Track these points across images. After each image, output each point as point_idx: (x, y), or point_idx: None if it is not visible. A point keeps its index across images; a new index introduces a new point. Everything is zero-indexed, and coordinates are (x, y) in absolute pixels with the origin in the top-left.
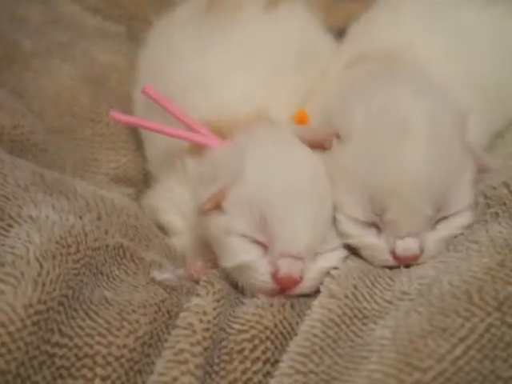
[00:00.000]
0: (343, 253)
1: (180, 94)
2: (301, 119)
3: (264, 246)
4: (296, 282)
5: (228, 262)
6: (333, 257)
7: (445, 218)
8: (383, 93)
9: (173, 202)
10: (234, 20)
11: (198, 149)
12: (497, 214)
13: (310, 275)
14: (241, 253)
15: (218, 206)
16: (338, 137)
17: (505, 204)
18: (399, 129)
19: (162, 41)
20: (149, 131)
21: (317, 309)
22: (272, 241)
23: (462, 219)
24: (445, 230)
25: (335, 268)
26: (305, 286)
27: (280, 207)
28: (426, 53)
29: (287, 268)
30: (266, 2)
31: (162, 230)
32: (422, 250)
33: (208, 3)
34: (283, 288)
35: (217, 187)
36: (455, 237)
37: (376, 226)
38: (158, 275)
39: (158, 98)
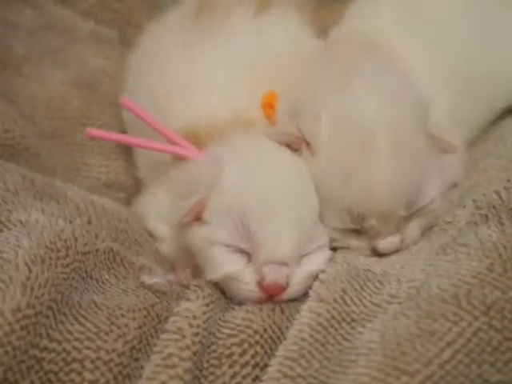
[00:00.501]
0: (328, 253)
1: (165, 99)
2: (269, 102)
3: (248, 254)
4: (282, 289)
5: (213, 274)
6: (318, 258)
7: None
8: (345, 99)
9: (158, 209)
10: (223, 26)
11: (180, 160)
12: (486, 216)
13: (296, 280)
14: (225, 263)
15: (198, 218)
16: (306, 144)
17: (494, 208)
18: (364, 142)
19: (151, 45)
20: (138, 135)
21: (305, 313)
22: (255, 248)
23: (435, 205)
24: (421, 218)
25: (324, 272)
26: (292, 292)
27: (261, 214)
28: (401, 40)
29: (272, 275)
30: (257, 8)
31: (152, 235)
32: (403, 242)
33: (198, 8)
34: (270, 295)
35: (195, 199)
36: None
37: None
38: (148, 280)
39: (136, 110)
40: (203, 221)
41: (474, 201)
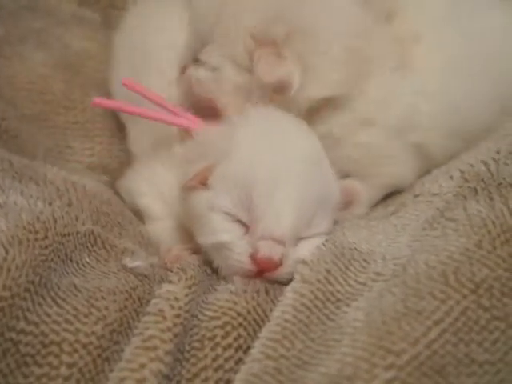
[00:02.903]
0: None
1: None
2: None
3: (246, 226)
4: (276, 265)
5: (206, 239)
6: (314, 244)
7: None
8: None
9: (154, 185)
10: None
11: (187, 135)
12: (475, 190)
13: (289, 262)
14: (221, 231)
15: (203, 183)
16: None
17: (483, 181)
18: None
19: (140, 22)
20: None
21: (289, 294)
22: (255, 222)
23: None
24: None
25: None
26: (284, 272)
27: (266, 189)
28: None
29: (267, 250)
30: None
31: (138, 214)
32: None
33: None
34: (261, 270)
35: (204, 164)
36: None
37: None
38: (130, 262)
39: (138, 88)
40: (208, 186)
41: (461, 172)
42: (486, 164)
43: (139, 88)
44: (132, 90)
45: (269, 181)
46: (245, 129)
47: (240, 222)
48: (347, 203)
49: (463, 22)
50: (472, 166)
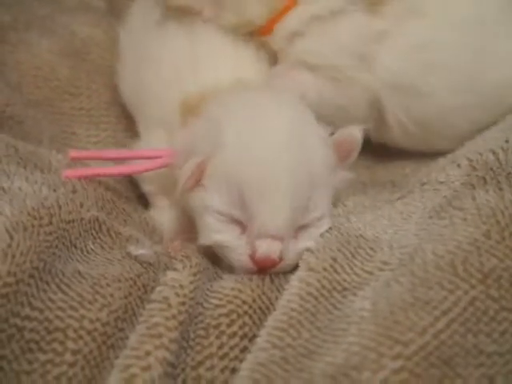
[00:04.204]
0: (327, 225)
1: (171, 71)
2: None
3: (242, 225)
4: (275, 263)
5: (205, 240)
6: (316, 233)
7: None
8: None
9: (158, 175)
10: None
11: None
12: (484, 179)
13: (291, 255)
14: (216, 232)
15: (198, 183)
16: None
17: (492, 170)
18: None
19: (145, 17)
20: (138, 105)
21: (295, 282)
22: (250, 220)
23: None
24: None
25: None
26: (285, 265)
27: (257, 186)
28: None
29: (265, 249)
30: None
31: (143, 200)
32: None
33: None
34: (262, 268)
35: (195, 163)
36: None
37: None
38: (135, 250)
39: (91, 154)
40: (202, 185)
41: (469, 160)
42: (494, 153)
43: (92, 154)
44: (83, 159)
45: (257, 178)
46: (227, 118)
47: (235, 221)
48: (345, 155)
49: None
50: (480, 154)
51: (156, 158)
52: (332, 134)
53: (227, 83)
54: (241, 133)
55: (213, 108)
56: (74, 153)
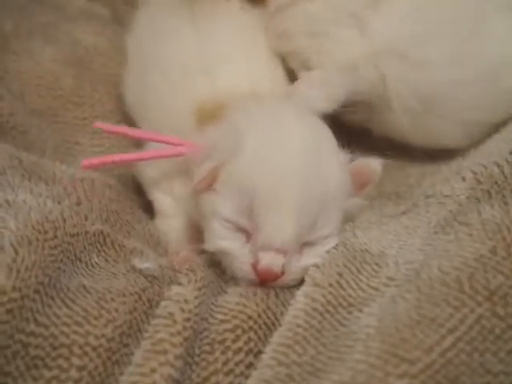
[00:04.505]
0: (333, 243)
1: (181, 76)
2: None
3: (248, 234)
4: (276, 276)
5: (209, 244)
6: (321, 251)
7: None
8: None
9: (167, 182)
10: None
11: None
12: (489, 193)
13: (293, 269)
14: (221, 238)
15: (211, 185)
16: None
17: (497, 184)
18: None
19: (152, 25)
20: (144, 112)
21: (300, 298)
22: (256, 230)
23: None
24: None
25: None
26: (287, 279)
27: (267, 197)
28: None
29: (267, 261)
30: None
31: (148, 208)
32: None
33: None
34: (263, 280)
35: (211, 166)
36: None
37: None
38: (139, 264)
39: (119, 130)
40: (214, 190)
41: (473, 173)
42: (498, 166)
43: (120, 130)
44: (112, 134)
45: (269, 190)
46: (249, 128)
47: (242, 229)
48: (362, 185)
49: None
50: (485, 167)
51: (178, 145)
52: (352, 161)
53: (243, 91)
54: (259, 143)
55: (235, 114)
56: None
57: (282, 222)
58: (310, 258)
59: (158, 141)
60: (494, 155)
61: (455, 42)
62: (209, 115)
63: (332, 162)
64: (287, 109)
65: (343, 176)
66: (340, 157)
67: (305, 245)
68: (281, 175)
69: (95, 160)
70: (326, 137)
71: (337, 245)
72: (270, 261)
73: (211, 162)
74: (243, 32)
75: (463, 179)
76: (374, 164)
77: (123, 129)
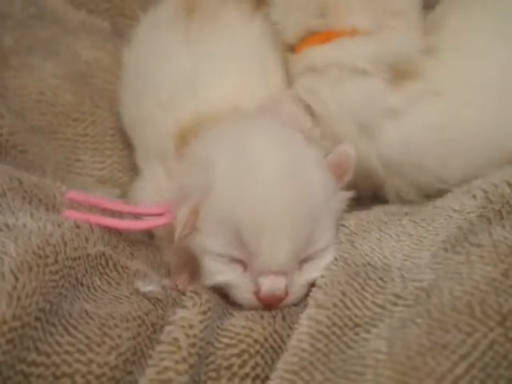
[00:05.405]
0: (332, 256)
1: (169, 95)
2: None
3: (243, 263)
4: (280, 299)
5: (207, 281)
6: (320, 264)
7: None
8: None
9: (158, 194)
10: (219, 21)
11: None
12: (500, 213)
13: (296, 288)
14: (217, 273)
15: (194, 227)
16: None
17: (508, 204)
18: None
19: (148, 42)
20: (137, 130)
21: (304, 321)
22: (250, 258)
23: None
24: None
25: (321, 276)
26: (291, 299)
27: (253, 223)
28: None
29: (269, 286)
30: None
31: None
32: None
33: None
34: (267, 306)
35: (188, 210)
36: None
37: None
38: (143, 287)
39: (89, 200)
40: (197, 229)
41: (485, 192)
42: (510, 185)
43: (90, 200)
44: (81, 203)
45: (253, 217)
46: (219, 156)
47: (236, 260)
48: (341, 174)
49: None
50: (496, 186)
51: (157, 215)
52: (326, 155)
53: (224, 110)
54: (230, 171)
55: (201, 144)
56: (72, 194)
57: (274, 244)
58: (311, 272)
59: (137, 214)
60: (504, 174)
61: (477, 148)
62: (186, 138)
63: (310, 167)
64: (252, 127)
65: (324, 176)
66: (315, 156)
67: (303, 261)
68: (261, 199)
69: (79, 215)
70: (298, 143)
71: (336, 260)
72: (271, 286)
73: (187, 206)
74: (241, 47)
75: (474, 197)
76: (348, 150)
77: (99, 200)
